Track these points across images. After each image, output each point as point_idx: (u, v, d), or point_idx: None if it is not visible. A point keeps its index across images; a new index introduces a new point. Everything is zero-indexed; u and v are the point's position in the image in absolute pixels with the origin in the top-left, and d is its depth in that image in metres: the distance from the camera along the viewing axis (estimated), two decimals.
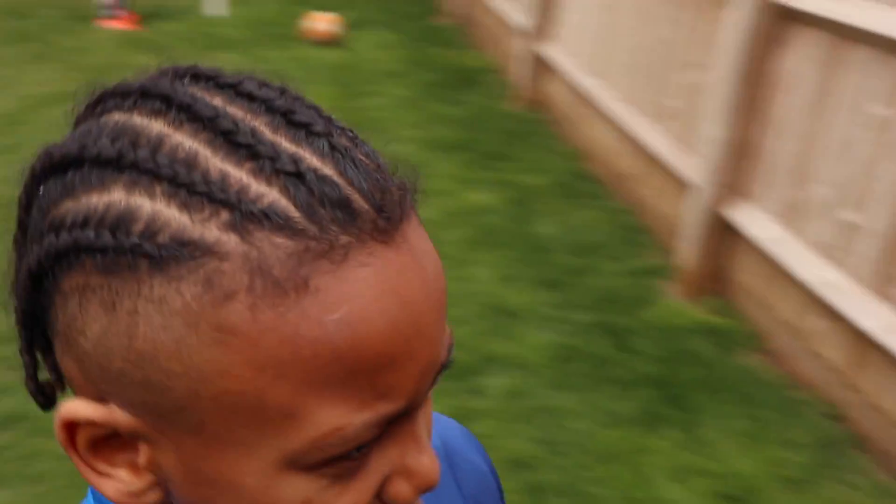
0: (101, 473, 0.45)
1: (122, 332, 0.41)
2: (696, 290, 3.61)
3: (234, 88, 0.44)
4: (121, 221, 0.40)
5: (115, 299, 0.40)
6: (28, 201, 0.45)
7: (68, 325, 0.43)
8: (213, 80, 0.45)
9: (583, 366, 3.15)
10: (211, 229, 0.39)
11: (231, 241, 0.39)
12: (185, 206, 0.40)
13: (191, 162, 0.40)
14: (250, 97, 0.43)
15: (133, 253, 0.40)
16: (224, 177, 0.40)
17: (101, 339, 0.41)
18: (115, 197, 0.41)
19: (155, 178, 0.40)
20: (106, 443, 0.45)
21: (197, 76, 0.45)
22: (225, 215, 0.39)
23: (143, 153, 0.41)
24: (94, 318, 0.41)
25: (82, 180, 0.42)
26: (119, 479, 0.45)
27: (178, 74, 0.45)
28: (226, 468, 0.43)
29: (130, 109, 0.44)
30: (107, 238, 0.40)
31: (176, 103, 0.42)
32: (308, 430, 0.41)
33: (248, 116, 0.42)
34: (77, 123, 0.46)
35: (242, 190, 0.40)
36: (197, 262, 0.39)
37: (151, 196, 0.40)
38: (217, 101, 0.43)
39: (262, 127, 0.42)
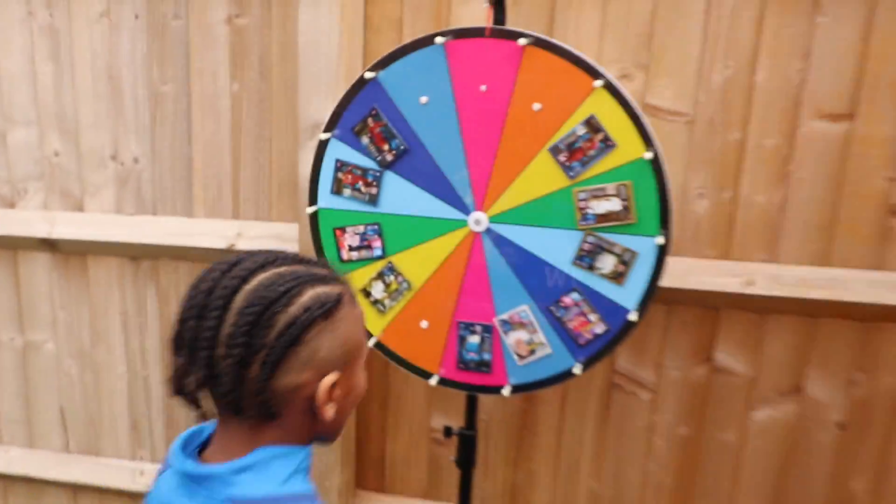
0: (326, 409, 1.03)
1: (338, 337, 1.04)
2: None
3: (273, 256, 1.07)
4: (320, 299, 1.02)
5: (332, 327, 1.03)
6: (254, 327, 0.98)
7: (312, 353, 1.01)
8: (249, 257, 1.06)
9: None
10: (339, 290, 1.06)
11: (344, 290, 1.07)
12: (328, 285, 1.05)
13: (310, 272, 1.05)
14: (283, 252, 1.08)
15: (334, 306, 1.02)
16: (326, 274, 1.07)
17: (330, 346, 1.03)
18: (309, 294, 1.02)
19: (312, 282, 1.03)
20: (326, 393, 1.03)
21: (251, 259, 1.05)
22: (338, 285, 1.06)
23: (303, 276, 1.03)
24: (326, 339, 1.02)
25: (287, 300, 0.99)
26: (331, 408, 1.05)
27: (239, 261, 1.04)
28: (355, 378, 1.09)
29: (257, 273, 1.02)
30: (325, 305, 1.01)
31: (274, 261, 1.05)
32: (364, 350, 1.11)
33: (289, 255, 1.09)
34: (234, 290, 1.00)
35: (332, 275, 1.07)
36: (344, 301, 1.05)
37: (315, 287, 1.03)
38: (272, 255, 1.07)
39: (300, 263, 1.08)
